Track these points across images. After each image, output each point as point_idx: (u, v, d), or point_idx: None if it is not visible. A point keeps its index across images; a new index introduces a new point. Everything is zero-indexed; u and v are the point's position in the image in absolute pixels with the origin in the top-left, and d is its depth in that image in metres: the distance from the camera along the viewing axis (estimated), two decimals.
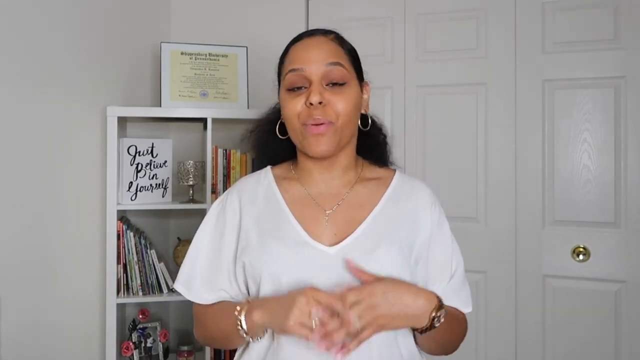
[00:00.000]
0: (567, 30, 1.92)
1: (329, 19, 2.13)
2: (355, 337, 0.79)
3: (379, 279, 0.84)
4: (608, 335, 1.86)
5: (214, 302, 0.98)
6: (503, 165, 1.99)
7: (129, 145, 1.89)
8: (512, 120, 1.98)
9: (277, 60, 1.01)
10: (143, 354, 1.99)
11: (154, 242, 2.08)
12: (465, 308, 0.98)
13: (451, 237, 1.00)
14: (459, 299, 0.97)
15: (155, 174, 1.95)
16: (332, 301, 0.80)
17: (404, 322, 0.84)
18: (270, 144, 1.04)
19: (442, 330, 0.86)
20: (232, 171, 2.00)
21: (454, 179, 2.04)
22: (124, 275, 1.85)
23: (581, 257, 1.89)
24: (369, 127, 1.00)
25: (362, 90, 0.99)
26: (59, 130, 1.66)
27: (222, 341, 0.97)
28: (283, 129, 0.99)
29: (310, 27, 2.17)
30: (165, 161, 1.97)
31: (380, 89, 2.10)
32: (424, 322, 0.84)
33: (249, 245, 0.94)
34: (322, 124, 0.90)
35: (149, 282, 1.89)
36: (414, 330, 0.88)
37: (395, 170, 1.04)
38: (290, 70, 0.93)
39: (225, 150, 2.00)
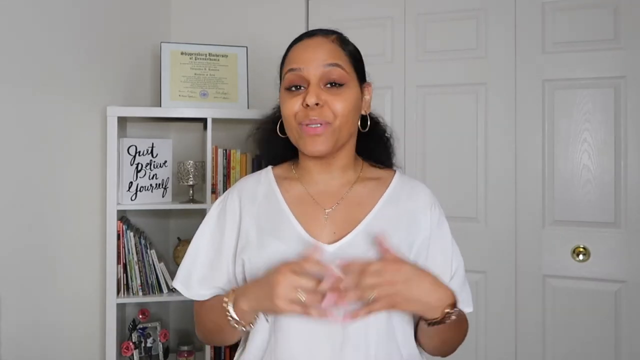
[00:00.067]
0: (567, 30, 1.92)
1: (329, 19, 2.13)
2: (366, 306, 0.79)
3: (404, 260, 0.85)
4: (608, 335, 1.86)
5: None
6: (503, 165, 1.99)
7: (129, 145, 1.89)
8: (512, 120, 1.98)
9: (277, 60, 1.02)
10: (143, 354, 1.99)
11: (154, 242, 2.08)
12: (466, 308, 0.98)
13: (451, 238, 1.00)
14: (459, 299, 0.97)
15: (155, 174, 1.95)
16: (307, 266, 0.80)
17: (418, 307, 0.84)
18: (272, 143, 1.05)
19: (448, 327, 0.86)
20: (232, 171, 2.00)
21: (454, 179, 2.04)
22: (124, 275, 1.85)
23: (581, 257, 1.89)
24: (367, 129, 1.00)
25: (363, 91, 0.99)
26: (59, 130, 1.66)
27: (219, 335, 0.97)
28: (284, 128, 0.99)
29: (310, 27, 2.19)
30: (165, 161, 1.97)
31: (380, 89, 2.10)
32: (436, 315, 0.84)
33: (248, 243, 0.94)
34: (319, 124, 0.90)
35: (149, 282, 1.89)
36: (422, 321, 0.88)
37: (395, 171, 1.04)
38: (289, 70, 0.94)
39: (225, 150, 2.00)
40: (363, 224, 0.93)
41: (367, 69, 1.02)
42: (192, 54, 2.00)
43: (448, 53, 2.06)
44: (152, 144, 1.94)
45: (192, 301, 1.02)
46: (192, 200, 1.96)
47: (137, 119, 2.07)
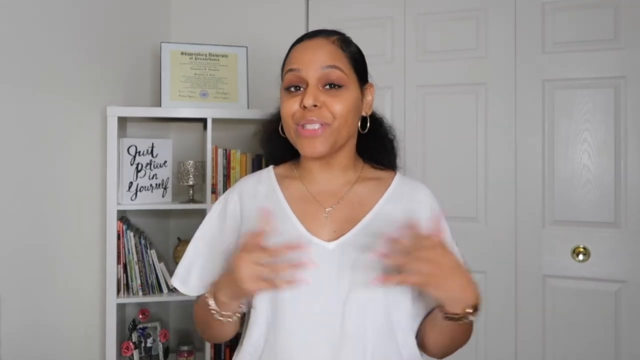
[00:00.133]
0: (567, 30, 1.92)
1: (329, 19, 2.13)
2: (401, 276, 0.79)
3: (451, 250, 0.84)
4: (608, 335, 1.86)
5: None
6: (503, 165, 1.99)
7: (129, 145, 1.89)
8: (512, 120, 1.98)
9: (277, 60, 1.02)
10: (143, 354, 1.99)
11: (154, 242, 2.08)
12: None
13: (451, 239, 1.00)
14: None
15: (155, 174, 1.95)
16: (256, 240, 0.81)
17: (445, 296, 0.82)
18: (274, 142, 1.05)
19: (462, 325, 0.85)
20: (232, 171, 2.00)
21: (454, 179, 2.04)
22: (124, 275, 1.85)
23: (581, 257, 1.89)
24: (367, 130, 1.00)
25: (364, 93, 0.99)
26: (59, 130, 1.66)
27: (212, 330, 0.97)
28: None
29: (311, 27, 2.19)
30: (165, 161, 1.97)
31: (380, 89, 2.07)
32: (457, 310, 0.82)
33: None
34: (317, 124, 0.91)
35: (149, 282, 1.89)
36: (440, 314, 0.86)
37: (396, 172, 1.04)
38: (289, 70, 0.95)
39: (225, 150, 2.00)
40: (363, 222, 0.93)
41: (367, 69, 1.01)
42: (192, 54, 2.00)
43: (448, 53, 2.06)
44: (152, 144, 1.94)
45: (192, 301, 1.02)
46: (192, 200, 1.96)
47: (137, 119, 2.07)
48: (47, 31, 1.59)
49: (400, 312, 0.91)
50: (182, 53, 1.99)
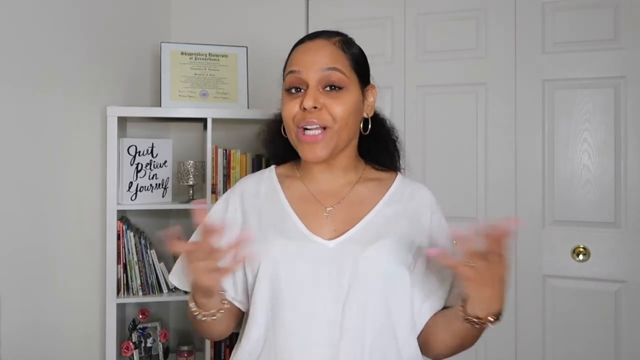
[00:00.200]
0: (567, 30, 1.92)
1: (329, 19, 2.13)
2: (457, 262, 0.79)
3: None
4: (608, 335, 1.86)
5: None
6: (503, 165, 1.99)
7: (129, 145, 1.89)
8: (512, 120, 1.98)
9: (277, 60, 1.03)
10: (143, 354, 1.99)
11: (154, 242, 2.08)
12: None
13: (452, 240, 1.00)
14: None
15: (155, 174, 1.95)
16: (194, 239, 0.81)
17: (476, 297, 0.82)
18: (276, 142, 1.05)
19: (475, 329, 0.85)
20: (232, 171, 2.00)
21: (454, 179, 2.04)
22: (124, 275, 1.85)
23: (581, 257, 1.89)
24: (370, 131, 1.00)
25: (366, 94, 0.99)
26: (59, 130, 1.66)
27: (201, 329, 0.97)
28: None
29: (311, 27, 2.19)
30: (165, 161, 1.97)
31: (380, 89, 2.07)
32: (480, 314, 0.82)
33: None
34: (317, 128, 0.91)
35: (149, 282, 1.89)
36: (461, 313, 0.85)
37: (397, 173, 1.04)
38: (290, 72, 0.95)
39: (225, 150, 2.00)
40: (363, 221, 0.94)
41: (370, 70, 1.01)
42: (192, 54, 2.00)
43: (448, 53, 2.06)
44: (152, 144, 1.94)
45: None
46: (192, 201, 1.96)
47: (137, 119, 2.07)
48: (47, 31, 1.59)
49: (400, 312, 0.91)
50: (182, 53, 1.99)
